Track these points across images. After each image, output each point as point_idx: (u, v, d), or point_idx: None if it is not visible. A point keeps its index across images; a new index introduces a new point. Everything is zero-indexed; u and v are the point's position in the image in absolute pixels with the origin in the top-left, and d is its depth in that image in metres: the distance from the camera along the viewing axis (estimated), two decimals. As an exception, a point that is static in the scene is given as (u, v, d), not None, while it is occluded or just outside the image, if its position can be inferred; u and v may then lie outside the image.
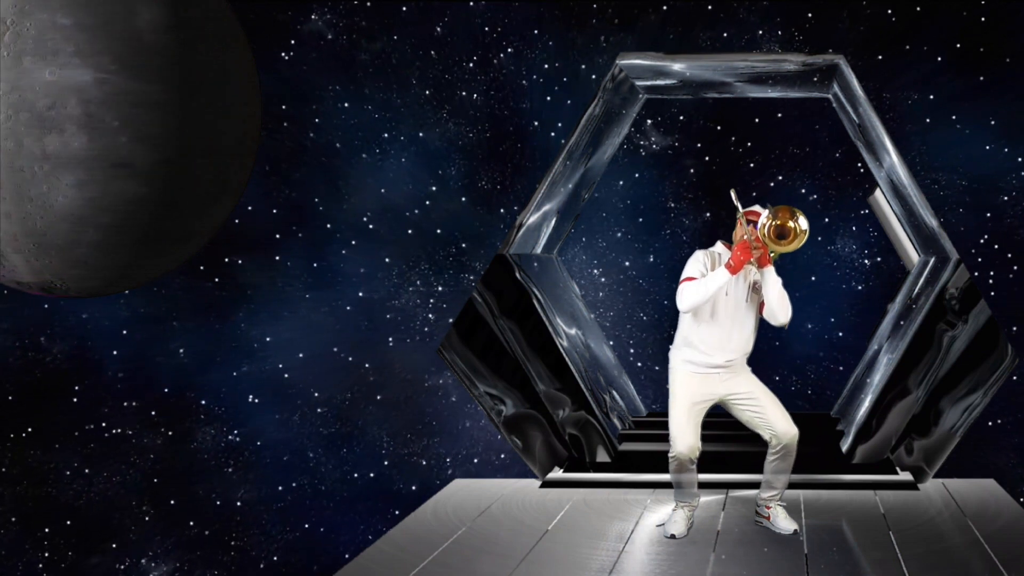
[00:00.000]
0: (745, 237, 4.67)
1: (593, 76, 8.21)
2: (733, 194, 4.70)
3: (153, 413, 8.40)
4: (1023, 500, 6.06)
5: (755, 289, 4.81)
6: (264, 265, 8.52)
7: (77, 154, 4.59)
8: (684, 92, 7.14)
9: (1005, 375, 5.79)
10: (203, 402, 8.46)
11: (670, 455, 4.92)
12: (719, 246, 4.90)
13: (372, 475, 8.57)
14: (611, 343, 8.40)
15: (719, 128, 8.54)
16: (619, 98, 6.92)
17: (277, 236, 8.51)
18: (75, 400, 8.30)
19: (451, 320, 7.73)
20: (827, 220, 8.54)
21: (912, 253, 7.51)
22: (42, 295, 5.13)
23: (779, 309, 4.74)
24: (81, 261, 4.74)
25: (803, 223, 4.60)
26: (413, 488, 8.48)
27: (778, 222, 4.59)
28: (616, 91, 6.75)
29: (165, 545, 8.33)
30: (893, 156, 6.27)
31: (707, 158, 8.60)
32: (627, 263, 8.79)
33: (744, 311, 4.79)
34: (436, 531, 5.20)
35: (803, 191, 8.51)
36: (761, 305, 4.83)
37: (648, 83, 6.96)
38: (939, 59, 7.93)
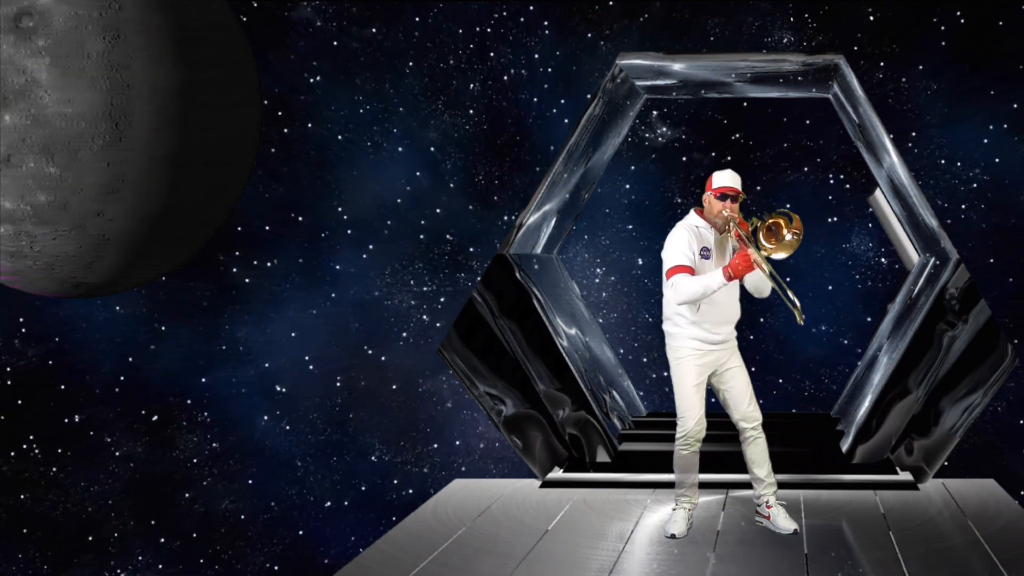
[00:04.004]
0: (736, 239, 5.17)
1: (594, 69, 8.48)
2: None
3: (135, 417, 8.61)
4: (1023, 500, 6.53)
5: (733, 251, 5.30)
6: (251, 264, 8.74)
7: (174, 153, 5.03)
8: (684, 92, 7.59)
9: (1005, 375, 6.23)
10: (186, 408, 8.68)
11: (678, 435, 5.35)
12: (694, 217, 5.30)
13: (363, 484, 8.82)
14: (612, 343, 8.68)
15: (728, 119, 8.85)
16: (619, 98, 7.32)
17: (265, 234, 8.73)
18: (51, 405, 8.52)
19: (447, 321, 8.01)
20: (837, 218, 8.82)
21: (912, 253, 7.92)
22: (53, 296, 5.50)
23: (764, 285, 5.26)
24: (142, 262, 5.16)
25: (792, 220, 5.02)
26: (406, 496, 8.78)
27: (769, 222, 5.05)
28: (616, 91, 7.17)
29: (146, 558, 8.56)
30: (893, 156, 6.70)
31: (714, 153, 8.88)
32: (631, 262, 9.07)
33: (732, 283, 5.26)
34: (436, 531, 5.58)
35: (814, 187, 8.84)
36: None
37: (648, 83, 7.38)
38: (957, 50, 8.27)
